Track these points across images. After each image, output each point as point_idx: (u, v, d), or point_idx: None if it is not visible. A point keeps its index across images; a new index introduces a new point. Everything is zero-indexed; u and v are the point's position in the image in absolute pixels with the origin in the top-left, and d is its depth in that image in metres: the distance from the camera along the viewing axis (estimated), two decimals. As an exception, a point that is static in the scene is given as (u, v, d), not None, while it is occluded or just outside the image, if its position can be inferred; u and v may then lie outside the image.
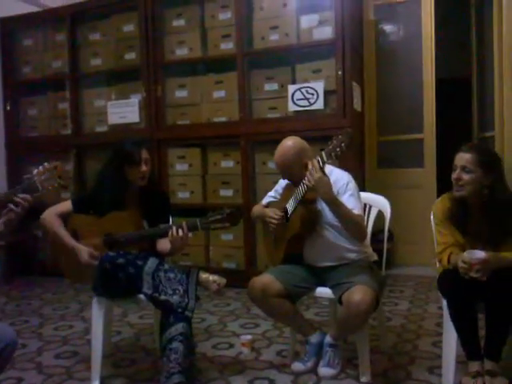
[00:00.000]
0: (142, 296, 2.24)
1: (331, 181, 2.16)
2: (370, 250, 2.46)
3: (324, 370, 2.33)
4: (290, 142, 2.34)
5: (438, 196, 2.45)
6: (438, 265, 2.28)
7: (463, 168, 2.08)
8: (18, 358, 2.69)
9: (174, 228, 2.26)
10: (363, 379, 2.26)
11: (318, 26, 3.74)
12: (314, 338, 2.40)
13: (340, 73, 3.60)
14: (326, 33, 3.71)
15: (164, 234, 2.36)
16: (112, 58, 4.46)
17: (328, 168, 2.31)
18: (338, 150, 2.04)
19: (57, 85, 4.75)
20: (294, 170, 2.30)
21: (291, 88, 3.76)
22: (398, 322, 3.09)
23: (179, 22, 4.20)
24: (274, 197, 2.60)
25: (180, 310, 2.15)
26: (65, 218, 2.45)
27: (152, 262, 2.24)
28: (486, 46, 4.25)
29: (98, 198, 2.43)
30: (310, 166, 2.10)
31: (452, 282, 2.03)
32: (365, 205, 2.56)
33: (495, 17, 3.85)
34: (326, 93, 3.67)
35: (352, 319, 2.15)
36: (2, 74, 4.88)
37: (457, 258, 2.02)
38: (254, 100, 3.97)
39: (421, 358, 2.53)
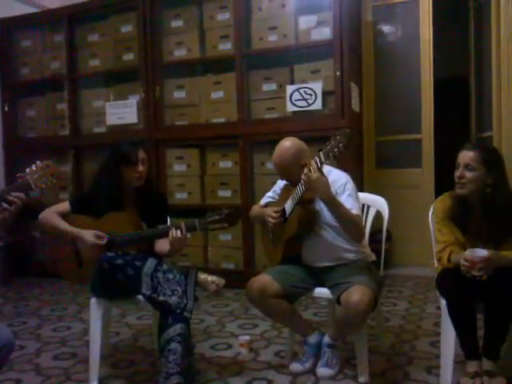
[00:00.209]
0: (140, 297, 2.24)
1: (329, 181, 2.16)
2: (368, 250, 2.46)
3: (322, 371, 2.33)
4: (288, 143, 2.34)
5: (436, 196, 2.45)
6: (436, 264, 2.28)
7: (466, 166, 2.08)
8: (17, 359, 2.69)
9: (173, 229, 2.26)
10: (361, 379, 2.26)
11: (317, 27, 3.75)
12: (313, 339, 2.40)
13: (338, 73, 3.60)
14: (325, 33, 3.72)
15: (162, 235, 2.36)
16: (110, 58, 4.45)
17: (326, 168, 2.31)
18: (336, 150, 2.04)
19: (55, 86, 4.74)
20: (292, 171, 2.30)
21: (289, 88, 3.76)
22: (396, 323, 3.10)
23: (177, 23, 4.20)
24: (273, 197, 2.60)
25: (178, 311, 2.14)
26: (63, 218, 2.44)
27: (151, 263, 2.24)
28: (484, 46, 4.26)
29: (96, 199, 2.43)
30: (308, 167, 2.10)
31: (451, 282, 2.03)
32: (363, 205, 2.56)
33: (493, 18, 3.86)
34: (325, 93, 3.68)
35: (350, 319, 2.15)
36: (0, 75, 4.87)
37: (458, 256, 2.02)
38: (253, 100, 3.97)
39: (419, 358, 2.53)
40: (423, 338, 2.82)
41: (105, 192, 2.42)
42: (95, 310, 2.36)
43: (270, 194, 2.63)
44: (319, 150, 2.11)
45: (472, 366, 2.04)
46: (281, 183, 2.55)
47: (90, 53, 4.54)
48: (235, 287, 3.60)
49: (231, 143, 4.00)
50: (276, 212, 2.34)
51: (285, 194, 2.44)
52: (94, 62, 4.53)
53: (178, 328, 2.12)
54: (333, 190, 2.19)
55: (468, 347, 2.04)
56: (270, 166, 3.73)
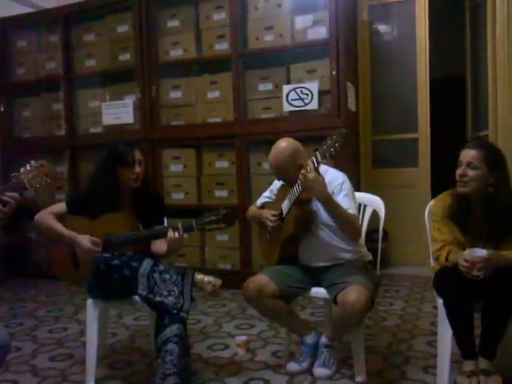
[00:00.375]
0: (136, 297, 2.23)
1: (326, 181, 2.16)
2: (364, 249, 2.46)
3: (319, 371, 2.33)
4: (284, 144, 2.34)
5: (433, 195, 2.45)
6: (432, 263, 2.28)
7: (469, 164, 2.07)
8: (13, 360, 2.68)
9: (170, 229, 2.25)
10: (358, 379, 2.26)
11: (313, 26, 3.75)
12: (310, 339, 2.40)
13: (334, 73, 3.60)
14: (321, 33, 3.72)
15: (159, 236, 2.36)
16: (106, 58, 4.44)
17: (323, 168, 2.30)
18: (332, 150, 2.04)
19: (51, 86, 4.73)
20: (288, 171, 2.30)
21: (286, 88, 3.76)
22: (393, 322, 3.10)
23: (174, 23, 4.19)
24: (269, 197, 2.60)
25: (175, 312, 2.14)
26: (59, 219, 2.43)
27: (147, 264, 2.23)
28: (480, 46, 4.27)
29: (92, 200, 2.42)
30: (304, 167, 2.10)
31: (449, 282, 2.03)
32: (359, 204, 2.56)
33: (489, 17, 3.87)
34: (321, 93, 3.68)
35: (347, 319, 2.15)
36: (-5, 75, 4.87)
37: (456, 256, 2.02)
38: (249, 100, 3.97)
39: (416, 358, 2.54)
40: (420, 337, 2.82)
41: (101, 193, 2.41)
42: (92, 310, 2.35)
43: (266, 193, 2.63)
44: (315, 150, 2.11)
45: (468, 365, 2.04)
46: (277, 183, 2.55)
47: (85, 53, 4.53)
48: (232, 287, 3.59)
49: (227, 143, 3.99)
50: (274, 216, 2.34)
51: (281, 193, 2.44)
52: (90, 62, 4.52)
53: (174, 328, 2.12)
54: (329, 189, 2.19)
55: (465, 347, 2.04)
56: (266, 165, 3.73)
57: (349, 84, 3.74)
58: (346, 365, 2.43)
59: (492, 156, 2.08)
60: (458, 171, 2.11)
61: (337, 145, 2.03)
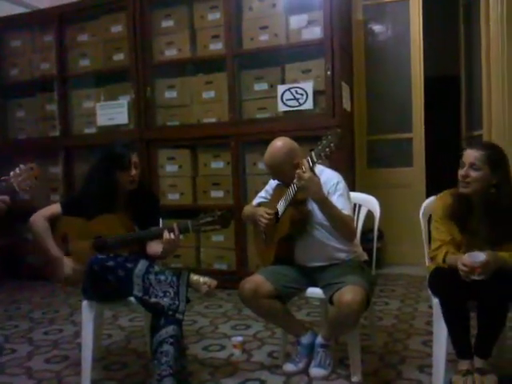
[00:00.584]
0: (132, 299, 2.23)
1: (321, 181, 2.17)
2: (360, 249, 2.46)
3: (315, 371, 2.33)
4: (279, 143, 2.34)
5: (428, 195, 2.45)
6: (427, 263, 2.29)
7: (471, 165, 2.07)
8: (8, 362, 2.67)
9: (166, 231, 2.25)
10: (354, 379, 2.26)
11: (307, 26, 3.75)
12: (306, 339, 2.40)
13: (329, 73, 3.60)
14: (315, 33, 3.72)
15: (154, 237, 2.35)
16: (100, 59, 4.43)
17: (318, 168, 2.31)
18: (327, 150, 2.04)
19: (45, 86, 4.71)
20: (284, 171, 2.30)
21: (281, 88, 3.76)
22: (388, 322, 3.11)
23: (168, 23, 4.18)
24: (265, 197, 2.59)
25: (171, 313, 2.13)
26: (54, 220, 2.43)
27: (142, 265, 2.22)
28: (474, 45, 4.28)
29: (87, 201, 2.41)
30: (300, 166, 2.10)
31: (445, 282, 2.03)
32: (354, 204, 2.56)
33: (482, 16, 3.88)
34: (316, 93, 3.68)
35: (343, 319, 2.15)
36: (-11, 76, 4.84)
37: (454, 258, 2.02)
38: (244, 100, 3.97)
39: (411, 357, 2.54)
40: (415, 336, 2.83)
41: (96, 194, 2.40)
42: (87, 312, 2.34)
43: (262, 193, 2.63)
44: (311, 150, 2.11)
45: (464, 365, 2.04)
46: (273, 183, 2.54)
47: (79, 53, 4.52)
48: (228, 288, 3.59)
49: (223, 143, 3.99)
50: (268, 214, 2.33)
51: (277, 193, 2.44)
52: (84, 63, 4.51)
53: (170, 330, 2.11)
54: (325, 189, 2.19)
55: (460, 346, 2.04)
56: (261, 166, 3.73)
57: (344, 84, 3.74)
58: (342, 365, 2.43)
59: (495, 157, 2.08)
60: (461, 172, 2.10)
61: (332, 145, 2.04)
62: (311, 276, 2.36)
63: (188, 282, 2.23)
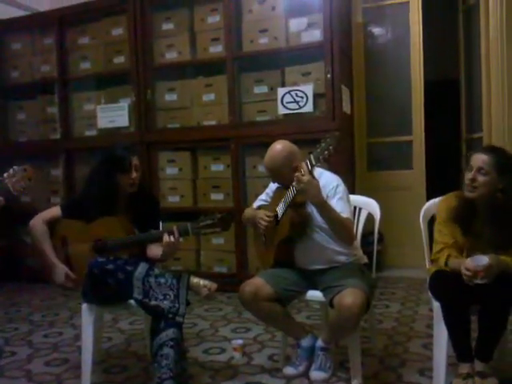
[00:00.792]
0: (132, 302, 2.23)
1: (321, 184, 2.17)
2: (360, 252, 2.46)
3: (316, 374, 2.33)
4: (279, 146, 2.34)
5: (428, 197, 2.45)
6: (428, 265, 2.29)
7: (479, 169, 2.07)
8: (8, 365, 2.67)
9: (166, 234, 2.25)
10: (355, 382, 2.25)
11: (307, 29, 3.75)
12: (306, 342, 2.40)
13: (329, 76, 3.61)
14: (315, 36, 3.72)
15: (154, 240, 2.35)
16: (101, 61, 4.44)
17: (318, 171, 2.31)
18: (326, 153, 2.05)
19: (45, 89, 4.72)
20: (283, 174, 2.30)
21: (281, 91, 3.76)
22: (389, 325, 3.10)
23: (168, 26, 4.19)
24: (265, 200, 2.60)
25: (171, 316, 2.13)
26: (54, 223, 2.43)
27: (142, 268, 2.22)
28: (474, 48, 4.29)
29: (87, 203, 2.41)
30: (299, 169, 2.10)
31: (446, 285, 2.03)
32: (354, 207, 2.57)
33: (482, 20, 3.89)
34: (316, 96, 3.68)
35: (343, 322, 2.15)
36: (-11, 79, 4.85)
37: (457, 263, 2.01)
38: (244, 103, 3.97)
39: (412, 360, 2.54)
40: (416, 339, 2.83)
41: (97, 197, 2.40)
42: (87, 315, 2.34)
43: (262, 196, 2.63)
44: (310, 153, 2.12)
45: (464, 368, 2.04)
46: (273, 186, 2.55)
47: (80, 56, 4.52)
48: (228, 291, 3.59)
49: (223, 146, 3.99)
50: (268, 216, 2.34)
51: (277, 196, 2.44)
52: (85, 65, 4.51)
53: (170, 333, 2.11)
54: (324, 193, 2.19)
55: (461, 350, 2.04)
56: (261, 168, 3.73)
57: (343, 87, 3.75)
58: (342, 368, 2.43)
59: (503, 162, 2.07)
60: (468, 175, 2.09)
61: (331, 148, 2.04)
62: (311, 279, 2.36)
63: (188, 285, 2.23)
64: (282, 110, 3.77)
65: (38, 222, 2.41)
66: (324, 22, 3.64)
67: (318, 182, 2.13)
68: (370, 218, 2.57)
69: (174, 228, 2.26)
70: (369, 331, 2.70)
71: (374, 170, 4.70)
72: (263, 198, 2.61)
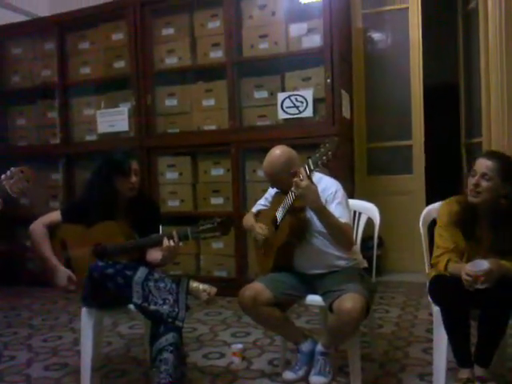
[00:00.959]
0: (131, 306, 2.22)
1: (320, 189, 2.17)
2: (359, 257, 2.46)
3: (315, 379, 2.32)
4: (278, 151, 2.35)
5: (428, 201, 2.45)
6: (427, 270, 2.29)
7: (483, 175, 2.07)
8: (7, 370, 2.66)
9: (166, 238, 2.25)
10: (354, 387, 2.26)
11: (307, 35, 3.77)
12: (305, 347, 2.40)
13: (329, 81, 3.62)
14: (315, 41, 3.74)
15: (154, 244, 2.35)
16: (101, 66, 4.46)
17: (317, 176, 2.32)
18: (324, 158, 2.05)
19: (46, 94, 4.74)
20: (282, 179, 2.30)
21: (281, 96, 3.78)
22: (388, 329, 3.10)
23: (168, 31, 4.21)
24: (264, 205, 2.60)
25: (170, 320, 2.13)
26: (53, 228, 2.43)
27: (142, 272, 2.22)
28: (473, 53, 4.30)
29: (87, 208, 2.41)
30: (297, 175, 2.10)
31: (446, 290, 2.03)
32: (354, 212, 2.57)
33: (481, 25, 3.90)
34: (315, 101, 3.70)
35: (343, 327, 2.15)
36: (-10, 84, 4.86)
37: (457, 268, 2.01)
38: (244, 108, 3.98)
39: (412, 365, 2.53)
40: (416, 344, 2.82)
41: (97, 201, 2.40)
42: (86, 320, 2.34)
43: (261, 201, 2.63)
44: (308, 157, 2.12)
45: (464, 373, 2.04)
46: (272, 191, 2.55)
47: (80, 61, 4.54)
48: (228, 295, 3.58)
49: (223, 151, 4.00)
50: (263, 229, 2.34)
51: (276, 201, 2.45)
52: (85, 70, 4.53)
53: (169, 337, 2.11)
54: (323, 197, 2.20)
55: (461, 355, 2.04)
56: (261, 173, 3.71)
57: (343, 92, 3.76)
58: (341, 373, 2.43)
59: (507, 168, 2.07)
60: (472, 180, 2.09)
61: (329, 153, 2.04)
62: (311, 283, 2.36)
63: (188, 290, 2.23)
64: (281, 115, 3.78)
65: (37, 226, 2.41)
66: (324, 27, 3.66)
67: (316, 187, 2.13)
68: (369, 222, 2.57)
69: (174, 232, 2.26)
70: (368, 336, 2.70)
71: (374, 174, 4.71)
72: (262, 203, 2.62)
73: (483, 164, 2.09)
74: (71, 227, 2.42)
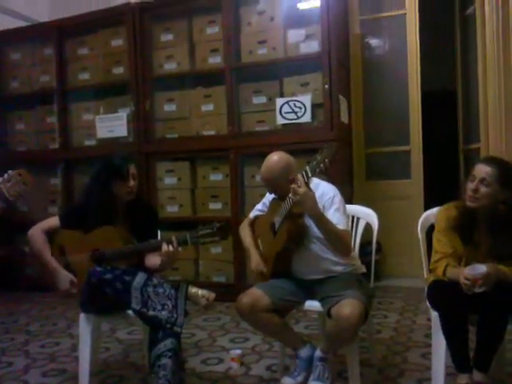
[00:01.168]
0: (130, 312, 2.22)
1: (317, 195, 2.17)
2: (358, 262, 2.46)
3: (314, 384, 2.31)
4: (275, 157, 2.34)
5: (426, 207, 2.45)
6: (426, 275, 2.29)
7: (482, 180, 2.07)
8: (4, 376, 2.66)
9: (164, 243, 2.25)
10: (353, 392, 2.25)
11: (305, 40, 3.79)
12: (304, 352, 2.39)
13: (327, 86, 3.64)
14: (313, 47, 3.76)
15: (153, 249, 2.35)
16: (100, 72, 4.46)
17: (314, 181, 2.32)
18: (321, 165, 2.04)
19: (44, 99, 4.74)
20: (280, 185, 2.30)
21: (279, 101, 3.79)
22: (387, 334, 3.10)
23: (167, 37, 4.22)
24: (262, 210, 2.60)
25: (169, 326, 2.13)
26: (52, 233, 2.43)
27: (140, 277, 2.22)
28: (471, 58, 4.32)
29: (85, 213, 2.41)
30: (295, 181, 2.10)
31: (444, 295, 2.02)
32: (352, 217, 2.57)
33: (479, 30, 3.92)
34: (314, 106, 3.71)
35: (341, 333, 2.14)
36: (-11, 89, 4.87)
37: (455, 273, 2.01)
38: (243, 113, 3.99)
39: (410, 370, 2.53)
40: (414, 349, 2.82)
41: (95, 206, 2.41)
42: (84, 325, 2.33)
43: (259, 206, 2.63)
44: (308, 163, 2.12)
45: (463, 378, 2.03)
46: (270, 196, 2.55)
47: (79, 66, 4.55)
48: (226, 300, 3.57)
49: (222, 156, 4.01)
50: (257, 270, 2.37)
51: (274, 206, 2.45)
52: (84, 76, 4.54)
53: (168, 343, 2.10)
54: (320, 203, 2.20)
55: (459, 360, 2.03)
56: (259, 178, 3.74)
57: (341, 97, 3.77)
58: (340, 378, 2.43)
59: (506, 174, 2.07)
60: (471, 186, 2.09)
61: (326, 161, 2.04)
62: (309, 288, 2.36)
63: (186, 295, 2.23)
64: (280, 120, 3.79)
65: (36, 232, 2.41)
66: (322, 33, 3.68)
67: (314, 193, 2.13)
68: (368, 227, 2.57)
69: (173, 237, 2.26)
70: (367, 341, 2.69)
71: (373, 179, 4.71)
72: (260, 208, 2.62)
73: (482, 169, 2.09)
74: (69, 233, 2.42)
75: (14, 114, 4.89)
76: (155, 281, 2.23)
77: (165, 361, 2.07)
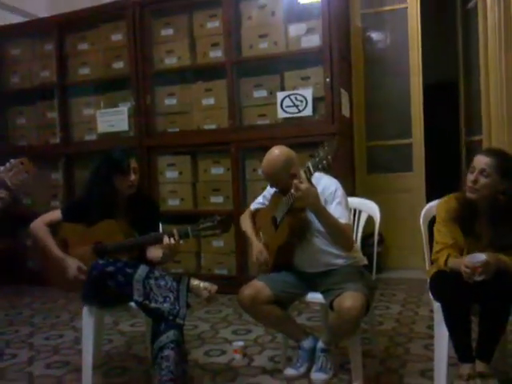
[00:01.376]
0: (132, 304, 2.23)
1: (319, 188, 2.17)
2: (360, 254, 2.46)
3: (317, 375, 2.33)
4: (277, 151, 2.34)
5: (428, 199, 2.45)
6: (428, 266, 2.29)
7: (481, 171, 2.07)
8: (9, 368, 2.67)
9: (166, 236, 2.25)
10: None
11: (306, 34, 3.78)
12: (307, 344, 2.40)
13: (328, 80, 3.63)
14: (314, 41, 3.75)
15: (154, 242, 2.35)
16: (100, 67, 4.46)
17: (316, 175, 2.31)
18: (324, 162, 2.04)
19: (45, 94, 4.74)
20: (281, 179, 2.30)
21: (280, 95, 3.78)
22: (389, 326, 3.11)
23: (168, 31, 4.22)
24: (263, 203, 2.60)
25: (171, 318, 2.13)
26: (54, 226, 2.44)
27: (142, 270, 2.23)
28: (473, 51, 4.31)
29: (87, 207, 2.42)
30: (297, 177, 2.10)
31: (446, 285, 2.03)
32: (354, 210, 2.57)
33: (480, 23, 3.91)
34: (315, 100, 3.70)
35: (343, 325, 2.15)
36: (-10, 84, 4.86)
37: (456, 262, 2.02)
38: (244, 107, 3.99)
39: (413, 362, 2.54)
40: (417, 340, 2.83)
41: (96, 200, 2.41)
42: (87, 318, 2.34)
43: (260, 199, 2.63)
44: (310, 156, 2.12)
45: (466, 369, 2.03)
46: (270, 189, 2.55)
47: (80, 61, 4.55)
48: (228, 293, 3.59)
49: (223, 150, 4.01)
50: (258, 260, 2.36)
51: (275, 199, 2.45)
52: (84, 71, 4.54)
53: (170, 335, 2.11)
54: (322, 197, 2.20)
55: (462, 350, 2.04)
56: (261, 172, 3.73)
57: (343, 91, 3.77)
58: (343, 369, 2.43)
59: (505, 164, 2.07)
60: (470, 177, 2.09)
61: (329, 157, 2.04)
62: (310, 281, 2.36)
63: (188, 287, 2.24)
64: (281, 114, 3.79)
65: (38, 224, 2.42)
66: (323, 27, 3.67)
67: (316, 189, 2.13)
68: (370, 219, 2.57)
69: (174, 230, 2.26)
70: (369, 332, 2.70)
71: (375, 172, 4.71)
72: (260, 201, 2.62)
73: (482, 160, 2.09)
74: (72, 226, 2.42)
75: (14, 109, 4.89)
76: (157, 273, 2.24)
77: (167, 352, 2.08)
